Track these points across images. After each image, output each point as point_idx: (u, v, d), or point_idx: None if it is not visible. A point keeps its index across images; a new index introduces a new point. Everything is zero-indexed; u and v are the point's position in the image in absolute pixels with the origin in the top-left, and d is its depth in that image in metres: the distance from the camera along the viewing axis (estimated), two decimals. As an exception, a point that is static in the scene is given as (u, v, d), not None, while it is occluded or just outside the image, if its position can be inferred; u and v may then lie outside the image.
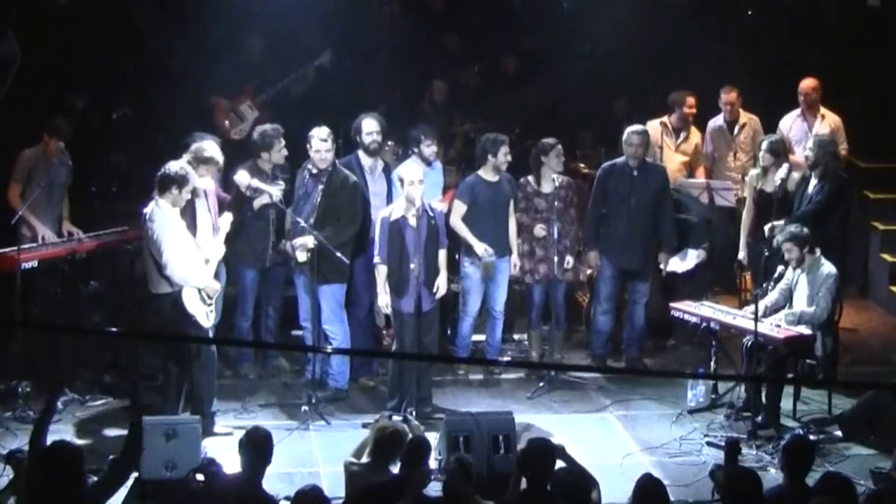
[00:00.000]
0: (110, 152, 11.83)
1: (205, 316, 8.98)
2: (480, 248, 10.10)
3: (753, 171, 10.77)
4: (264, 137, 10.01)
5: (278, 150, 9.99)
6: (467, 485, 6.95)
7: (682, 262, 10.72)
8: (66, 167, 10.30)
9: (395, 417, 8.26)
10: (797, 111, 11.46)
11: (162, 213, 8.89)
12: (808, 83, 11.42)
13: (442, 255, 9.59)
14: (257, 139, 10.06)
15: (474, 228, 10.22)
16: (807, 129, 11.29)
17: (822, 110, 11.42)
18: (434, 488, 7.50)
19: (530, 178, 10.38)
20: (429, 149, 10.37)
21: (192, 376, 9.06)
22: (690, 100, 11.62)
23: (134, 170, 11.61)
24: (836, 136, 11.18)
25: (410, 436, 7.58)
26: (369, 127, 10.13)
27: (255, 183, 9.75)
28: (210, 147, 9.53)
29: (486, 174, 10.26)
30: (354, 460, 7.71)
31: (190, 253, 8.98)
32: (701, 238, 10.93)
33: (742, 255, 10.75)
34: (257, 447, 6.93)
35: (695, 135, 11.69)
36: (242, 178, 9.70)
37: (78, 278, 10.40)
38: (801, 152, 10.67)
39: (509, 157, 10.24)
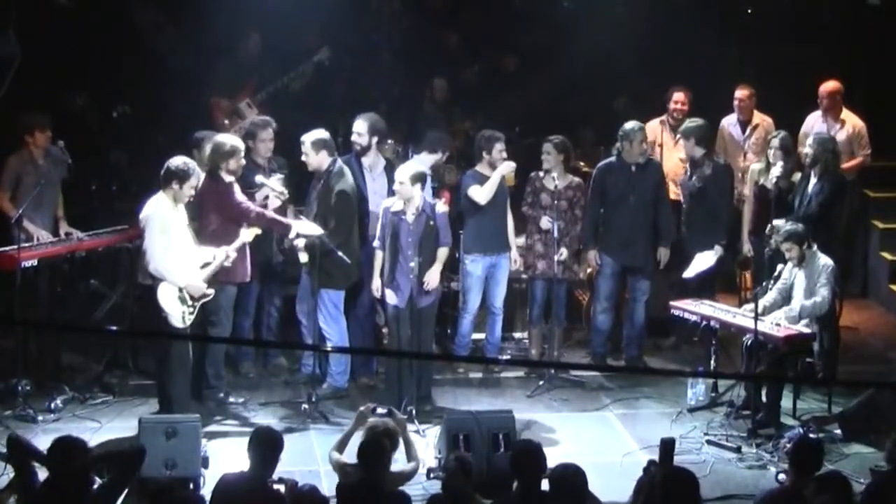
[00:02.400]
0: (110, 151, 11.84)
1: (180, 316, 8.90)
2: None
3: (755, 166, 10.71)
4: (250, 126, 10.21)
5: (262, 140, 10.00)
6: (466, 483, 6.95)
7: (703, 261, 10.37)
8: (58, 165, 10.01)
9: (380, 410, 8.12)
10: (820, 111, 11.34)
11: (157, 206, 8.90)
12: (826, 87, 11.28)
13: (442, 252, 9.58)
14: (246, 128, 10.30)
15: (473, 224, 10.24)
16: (827, 132, 11.09)
17: (845, 114, 11.30)
18: (433, 487, 7.51)
19: (541, 173, 10.41)
20: (501, 154, 10.29)
21: (165, 375, 9.01)
22: (679, 95, 11.55)
23: (134, 168, 11.62)
24: (853, 141, 11.15)
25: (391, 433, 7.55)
26: (356, 127, 10.13)
27: (260, 178, 9.76)
28: (227, 138, 9.53)
29: (483, 170, 10.26)
30: (345, 459, 7.65)
31: (180, 250, 8.94)
32: (722, 234, 10.76)
33: (747, 247, 10.70)
34: (265, 445, 6.95)
35: None
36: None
37: (78, 277, 10.39)
38: None
39: (504, 154, 10.24)
